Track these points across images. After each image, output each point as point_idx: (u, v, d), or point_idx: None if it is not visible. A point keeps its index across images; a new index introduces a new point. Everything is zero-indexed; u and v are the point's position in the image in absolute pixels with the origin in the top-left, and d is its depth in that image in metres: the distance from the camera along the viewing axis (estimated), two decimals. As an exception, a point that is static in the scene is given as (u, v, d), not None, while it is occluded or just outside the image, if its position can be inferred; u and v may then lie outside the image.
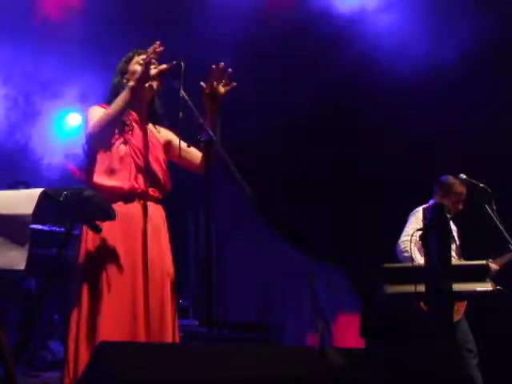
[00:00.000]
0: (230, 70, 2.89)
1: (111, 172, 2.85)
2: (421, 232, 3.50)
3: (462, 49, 5.24)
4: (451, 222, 4.78)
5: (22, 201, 2.08)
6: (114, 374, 1.61)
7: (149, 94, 3.02)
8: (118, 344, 2.06)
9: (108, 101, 2.98)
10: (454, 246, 4.68)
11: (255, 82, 5.70)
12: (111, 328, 2.67)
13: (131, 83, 2.83)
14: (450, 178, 4.81)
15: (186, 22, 5.60)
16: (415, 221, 4.67)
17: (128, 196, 2.86)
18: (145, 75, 2.82)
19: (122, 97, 2.82)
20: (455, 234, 4.78)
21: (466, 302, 4.55)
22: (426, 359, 2.25)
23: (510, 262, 4.70)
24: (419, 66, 5.50)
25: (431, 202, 4.81)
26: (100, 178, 2.85)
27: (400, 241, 4.67)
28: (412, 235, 4.52)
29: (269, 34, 5.48)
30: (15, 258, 2.02)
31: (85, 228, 2.81)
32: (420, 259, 4.40)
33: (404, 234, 4.70)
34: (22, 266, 2.01)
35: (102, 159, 2.87)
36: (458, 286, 3.61)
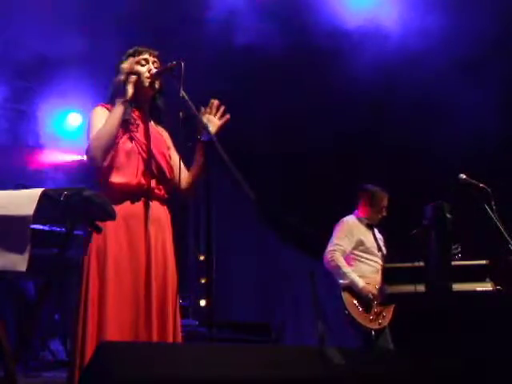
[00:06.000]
0: (223, 107, 3.02)
1: (118, 169, 2.85)
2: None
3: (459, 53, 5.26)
4: (376, 231, 4.94)
5: (22, 201, 2.07)
6: (114, 374, 1.61)
7: (151, 92, 3.02)
8: (118, 343, 2.06)
9: (109, 100, 2.98)
10: (380, 254, 4.82)
11: (255, 83, 5.72)
12: (115, 328, 2.68)
13: (120, 100, 2.86)
14: (372, 187, 4.92)
15: (186, 21, 5.60)
16: (341, 231, 4.81)
17: (135, 193, 2.86)
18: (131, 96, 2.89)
19: (112, 115, 2.84)
20: (381, 243, 4.89)
21: (392, 308, 4.59)
22: (427, 359, 2.26)
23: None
24: (416, 67, 5.51)
25: (356, 211, 4.95)
26: (107, 175, 2.86)
27: (327, 251, 4.76)
28: (338, 245, 4.72)
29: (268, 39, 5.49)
30: (16, 259, 2.01)
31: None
32: (346, 268, 4.65)
33: (330, 244, 4.78)
34: (23, 267, 2.00)
35: (108, 156, 2.87)
36: (458, 286, 3.62)
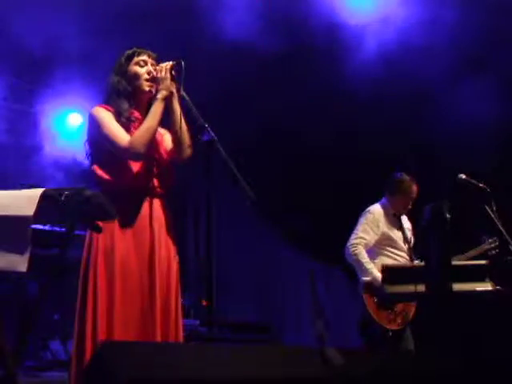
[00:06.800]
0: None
1: (120, 169, 2.86)
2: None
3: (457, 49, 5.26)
4: (405, 219, 4.76)
5: (23, 202, 2.07)
6: (115, 373, 1.61)
7: (150, 94, 3.01)
8: (119, 343, 2.06)
9: (107, 101, 2.97)
10: (406, 247, 4.63)
11: (256, 83, 5.72)
12: (122, 327, 2.69)
13: (162, 94, 2.87)
14: (401, 175, 4.71)
15: (186, 22, 5.60)
16: (365, 222, 4.59)
17: (138, 193, 2.88)
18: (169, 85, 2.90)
19: (157, 110, 2.87)
20: (408, 233, 4.70)
21: (414, 307, 4.44)
22: (427, 359, 2.26)
23: (486, 251, 4.69)
24: (417, 66, 5.50)
25: (383, 200, 4.75)
26: (109, 176, 2.87)
27: (349, 243, 4.54)
28: (362, 238, 4.53)
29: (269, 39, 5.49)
30: (16, 259, 2.01)
31: None
32: (369, 265, 4.43)
33: (353, 236, 4.56)
34: (23, 267, 2.00)
35: (110, 157, 2.88)
36: (458, 286, 3.62)
